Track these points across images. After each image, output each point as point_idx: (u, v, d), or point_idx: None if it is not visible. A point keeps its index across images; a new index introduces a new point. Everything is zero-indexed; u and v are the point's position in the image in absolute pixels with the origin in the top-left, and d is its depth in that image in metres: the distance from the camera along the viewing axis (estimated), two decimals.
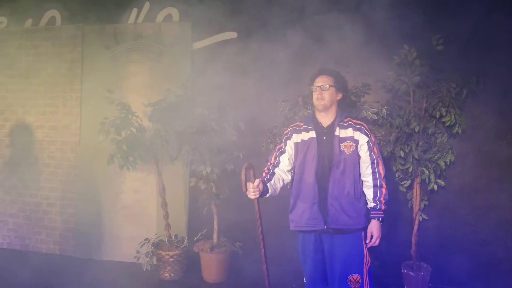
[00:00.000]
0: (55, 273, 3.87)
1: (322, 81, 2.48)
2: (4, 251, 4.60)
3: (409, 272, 3.45)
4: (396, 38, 3.51)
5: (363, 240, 2.44)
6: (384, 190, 2.44)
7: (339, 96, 2.51)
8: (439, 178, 3.40)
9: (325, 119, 2.50)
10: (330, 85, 2.46)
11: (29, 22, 4.67)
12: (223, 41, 4.12)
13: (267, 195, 2.45)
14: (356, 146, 2.43)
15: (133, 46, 4.30)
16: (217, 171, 3.70)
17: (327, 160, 2.43)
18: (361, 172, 2.46)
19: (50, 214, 4.57)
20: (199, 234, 3.97)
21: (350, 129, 2.45)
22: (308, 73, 2.71)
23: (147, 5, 4.30)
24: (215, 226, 3.85)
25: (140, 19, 4.34)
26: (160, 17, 4.29)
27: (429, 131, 3.36)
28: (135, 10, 4.33)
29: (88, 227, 4.39)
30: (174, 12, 4.26)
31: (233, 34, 4.08)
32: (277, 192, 2.53)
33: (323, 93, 2.45)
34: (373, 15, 3.59)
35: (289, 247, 3.59)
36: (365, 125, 2.51)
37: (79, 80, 4.46)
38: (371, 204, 2.45)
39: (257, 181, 2.35)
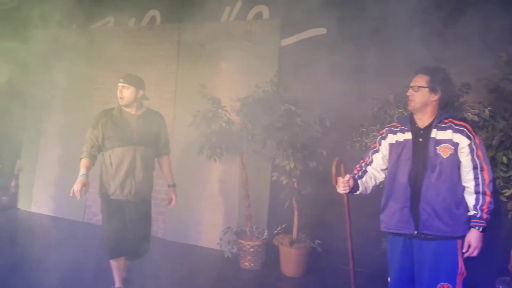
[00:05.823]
0: None
1: (415, 81, 2.38)
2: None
3: None
4: (503, 33, 3.20)
5: (459, 249, 2.29)
6: (488, 198, 2.25)
7: (435, 97, 2.34)
8: None
9: (422, 120, 2.38)
10: (421, 86, 2.34)
11: (132, 21, 5.11)
12: (312, 37, 4.12)
13: (358, 192, 2.44)
14: (456, 150, 2.27)
15: (225, 43, 4.50)
16: (300, 167, 3.72)
17: (422, 163, 2.31)
18: (462, 177, 2.29)
19: None
20: (279, 228, 4.03)
21: (450, 131, 2.29)
22: (401, 70, 2.61)
23: (239, 4, 4.47)
24: (295, 222, 3.89)
25: (232, 17, 4.52)
26: (250, 15, 4.42)
27: None
28: (227, 9, 4.52)
29: (176, 213, 4.69)
30: (264, 9, 4.37)
31: (322, 30, 4.06)
32: (368, 191, 2.49)
33: (414, 94, 2.36)
34: (476, 8, 3.31)
35: (374, 250, 3.49)
36: (468, 126, 2.31)
37: (174, 75, 4.79)
38: (471, 212, 2.28)
39: (347, 176, 2.35)
